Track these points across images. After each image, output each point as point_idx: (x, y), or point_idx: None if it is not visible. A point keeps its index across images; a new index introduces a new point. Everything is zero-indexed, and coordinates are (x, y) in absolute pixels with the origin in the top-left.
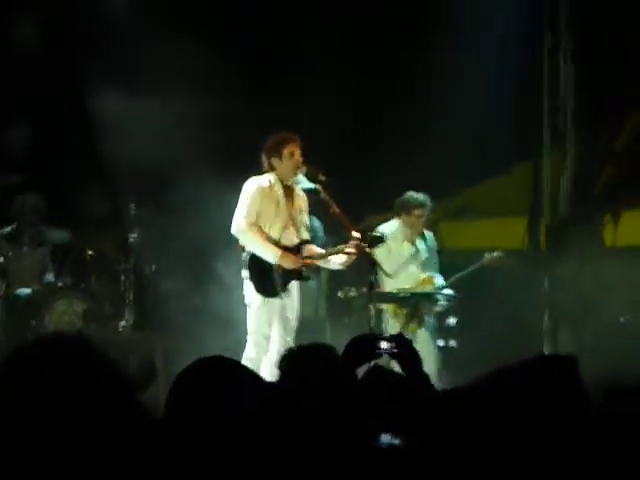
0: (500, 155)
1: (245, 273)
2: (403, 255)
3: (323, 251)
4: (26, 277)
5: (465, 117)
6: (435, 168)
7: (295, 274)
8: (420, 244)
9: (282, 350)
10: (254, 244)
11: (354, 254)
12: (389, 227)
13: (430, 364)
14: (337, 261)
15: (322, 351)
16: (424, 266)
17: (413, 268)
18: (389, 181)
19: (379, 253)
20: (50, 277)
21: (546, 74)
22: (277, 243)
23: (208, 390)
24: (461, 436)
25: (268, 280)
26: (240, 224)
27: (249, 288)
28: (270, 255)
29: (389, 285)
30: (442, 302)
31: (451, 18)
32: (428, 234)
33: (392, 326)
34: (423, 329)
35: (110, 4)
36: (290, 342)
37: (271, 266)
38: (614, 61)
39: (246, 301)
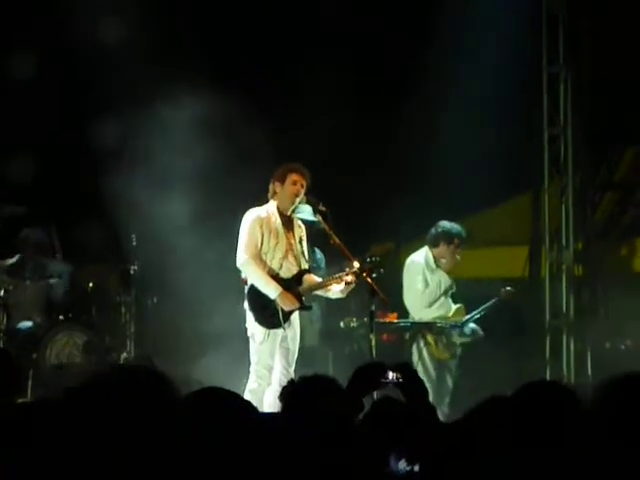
0: (501, 185)
1: (246, 305)
2: (441, 286)
3: (320, 278)
4: (27, 310)
5: (466, 147)
6: (436, 198)
7: (296, 306)
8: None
9: (284, 381)
10: (256, 277)
11: (352, 282)
12: (422, 256)
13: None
14: (337, 290)
15: (323, 382)
16: (453, 296)
17: (446, 298)
18: (391, 211)
19: (418, 283)
20: (51, 310)
21: (546, 105)
22: (277, 275)
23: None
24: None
25: (269, 312)
26: (243, 257)
27: (251, 320)
28: (270, 291)
29: (423, 314)
30: (466, 336)
31: (450, 50)
32: None
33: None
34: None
35: (109, 34)
36: (292, 373)
37: (271, 299)
38: (613, 91)
39: (248, 333)
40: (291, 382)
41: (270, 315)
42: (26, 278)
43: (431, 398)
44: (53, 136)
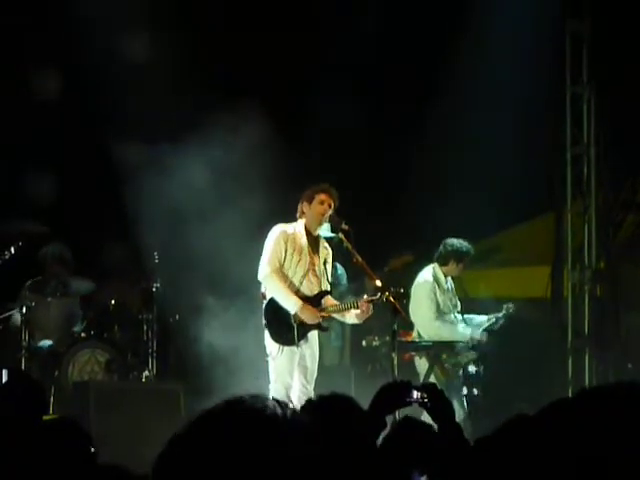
0: (523, 205)
1: (264, 321)
2: (448, 304)
3: (339, 303)
4: (49, 328)
5: (489, 167)
6: (459, 217)
7: (314, 325)
8: (452, 291)
9: (303, 400)
10: (277, 291)
11: (369, 310)
12: (429, 274)
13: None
14: (353, 315)
15: (341, 401)
16: (458, 312)
17: (451, 314)
18: (412, 229)
19: (427, 301)
20: (78, 328)
21: (569, 124)
22: (297, 291)
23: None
24: None
25: (284, 328)
26: (265, 270)
27: (268, 337)
28: (291, 305)
29: (433, 332)
30: (467, 353)
31: (474, 69)
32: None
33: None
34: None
35: (131, 53)
36: (311, 391)
37: (288, 314)
38: (637, 111)
39: (267, 351)
40: (309, 401)
41: (285, 331)
42: (48, 295)
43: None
44: (75, 154)
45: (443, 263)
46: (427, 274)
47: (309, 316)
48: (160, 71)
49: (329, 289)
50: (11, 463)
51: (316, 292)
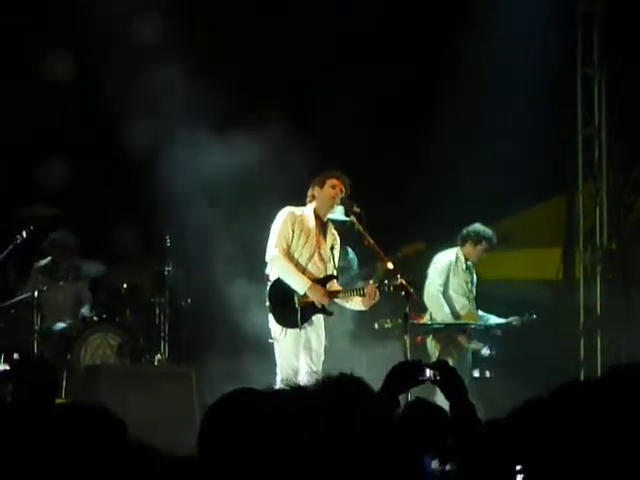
0: (535, 187)
1: (267, 303)
2: (463, 287)
3: (344, 288)
4: (61, 311)
5: (500, 149)
6: (470, 200)
7: (317, 308)
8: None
9: (310, 382)
10: (285, 272)
11: (375, 297)
12: (452, 255)
13: None
14: (358, 302)
15: (350, 382)
16: (474, 299)
17: (465, 299)
18: (424, 213)
19: (437, 282)
20: (85, 311)
21: (580, 106)
22: (303, 272)
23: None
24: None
25: (288, 310)
26: (273, 251)
27: (272, 320)
28: (300, 285)
29: (439, 313)
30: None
31: (485, 52)
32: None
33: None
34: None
35: (144, 37)
36: (319, 374)
37: (292, 297)
38: None
39: (271, 334)
40: (316, 383)
41: (289, 314)
42: (60, 279)
43: None
44: (87, 137)
45: (462, 244)
46: (450, 254)
47: (318, 296)
48: (174, 55)
49: (335, 274)
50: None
51: (321, 276)
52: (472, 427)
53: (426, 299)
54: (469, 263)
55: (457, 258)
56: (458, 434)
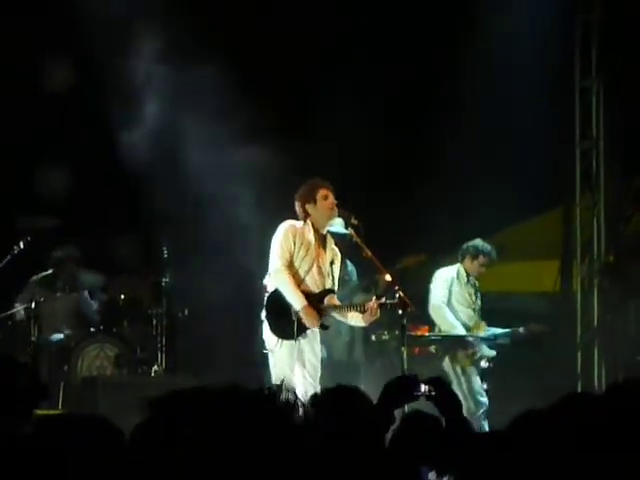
0: (533, 199)
1: (263, 313)
2: (466, 298)
3: (342, 303)
4: (58, 322)
5: (498, 162)
6: (468, 212)
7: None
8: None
9: (308, 394)
10: (286, 286)
11: (375, 313)
12: (453, 270)
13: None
14: (357, 317)
15: (346, 393)
16: (479, 311)
17: (470, 311)
18: (423, 225)
19: (439, 288)
20: (82, 322)
21: (578, 118)
22: (299, 285)
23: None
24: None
25: (285, 321)
26: (277, 263)
27: (267, 331)
28: (296, 302)
29: (445, 326)
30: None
31: (483, 64)
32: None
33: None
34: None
35: (142, 47)
36: (315, 386)
37: (289, 309)
38: None
39: (265, 344)
40: (314, 395)
41: (285, 324)
42: (57, 290)
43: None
44: (86, 149)
45: (461, 260)
46: (451, 270)
47: (309, 319)
48: (174, 64)
49: (334, 289)
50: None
51: (317, 290)
52: (467, 442)
53: (431, 312)
54: (471, 278)
55: (458, 273)
56: (453, 449)
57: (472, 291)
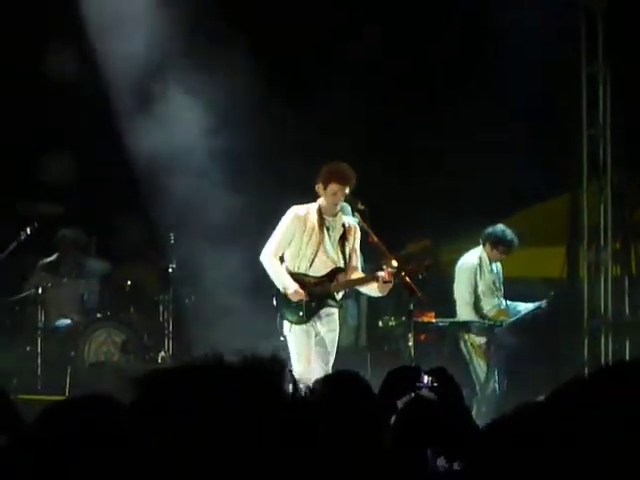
0: (539, 185)
1: (275, 301)
2: (490, 286)
3: (360, 275)
4: (65, 308)
5: (505, 147)
6: (476, 198)
7: (323, 302)
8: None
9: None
10: (270, 271)
11: (390, 280)
12: (476, 256)
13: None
14: (373, 288)
15: (348, 378)
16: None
17: (495, 299)
18: (430, 211)
19: (466, 281)
20: (89, 308)
21: (585, 105)
22: (306, 273)
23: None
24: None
25: (294, 307)
26: (266, 252)
27: (279, 316)
28: (281, 285)
29: (467, 313)
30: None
31: (490, 50)
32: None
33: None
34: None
35: (145, 37)
36: (327, 370)
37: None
38: None
39: (281, 331)
40: (316, 382)
41: (294, 310)
42: (63, 276)
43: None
44: (91, 135)
45: (483, 244)
46: (474, 256)
47: (292, 295)
48: (176, 52)
49: (342, 267)
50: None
51: (326, 271)
52: (468, 433)
53: (458, 310)
54: (493, 264)
55: (480, 261)
56: (457, 437)
57: (495, 278)
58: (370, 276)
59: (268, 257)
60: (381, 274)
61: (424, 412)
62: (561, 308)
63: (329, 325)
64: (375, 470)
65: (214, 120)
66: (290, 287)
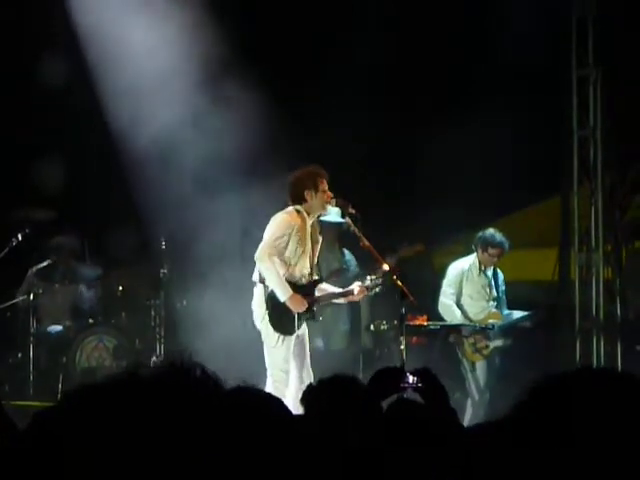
0: (530, 188)
1: (263, 306)
2: (480, 291)
3: (334, 290)
4: (57, 313)
5: (496, 150)
6: (466, 200)
7: (308, 313)
8: (493, 279)
9: (299, 384)
10: (270, 276)
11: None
12: (467, 262)
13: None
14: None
15: (343, 382)
16: (495, 300)
17: (484, 302)
18: (421, 213)
19: (448, 280)
20: (81, 313)
21: (575, 107)
22: (297, 282)
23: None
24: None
25: (286, 318)
26: (263, 252)
27: (267, 326)
28: (281, 292)
29: (450, 316)
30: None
31: (481, 52)
32: (500, 271)
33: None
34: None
35: (140, 40)
36: (311, 374)
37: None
38: None
39: (263, 337)
40: (310, 385)
41: (286, 321)
42: (56, 282)
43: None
44: (83, 141)
45: (475, 250)
46: (466, 262)
47: (297, 306)
48: (174, 57)
49: (322, 279)
50: None
51: (307, 275)
52: (454, 434)
53: (440, 309)
54: (486, 269)
55: (471, 265)
56: (440, 441)
57: (486, 282)
58: (345, 291)
59: (263, 256)
60: (356, 290)
61: (409, 413)
62: (552, 310)
63: (301, 331)
64: (374, 470)
65: (208, 124)
66: (292, 297)
